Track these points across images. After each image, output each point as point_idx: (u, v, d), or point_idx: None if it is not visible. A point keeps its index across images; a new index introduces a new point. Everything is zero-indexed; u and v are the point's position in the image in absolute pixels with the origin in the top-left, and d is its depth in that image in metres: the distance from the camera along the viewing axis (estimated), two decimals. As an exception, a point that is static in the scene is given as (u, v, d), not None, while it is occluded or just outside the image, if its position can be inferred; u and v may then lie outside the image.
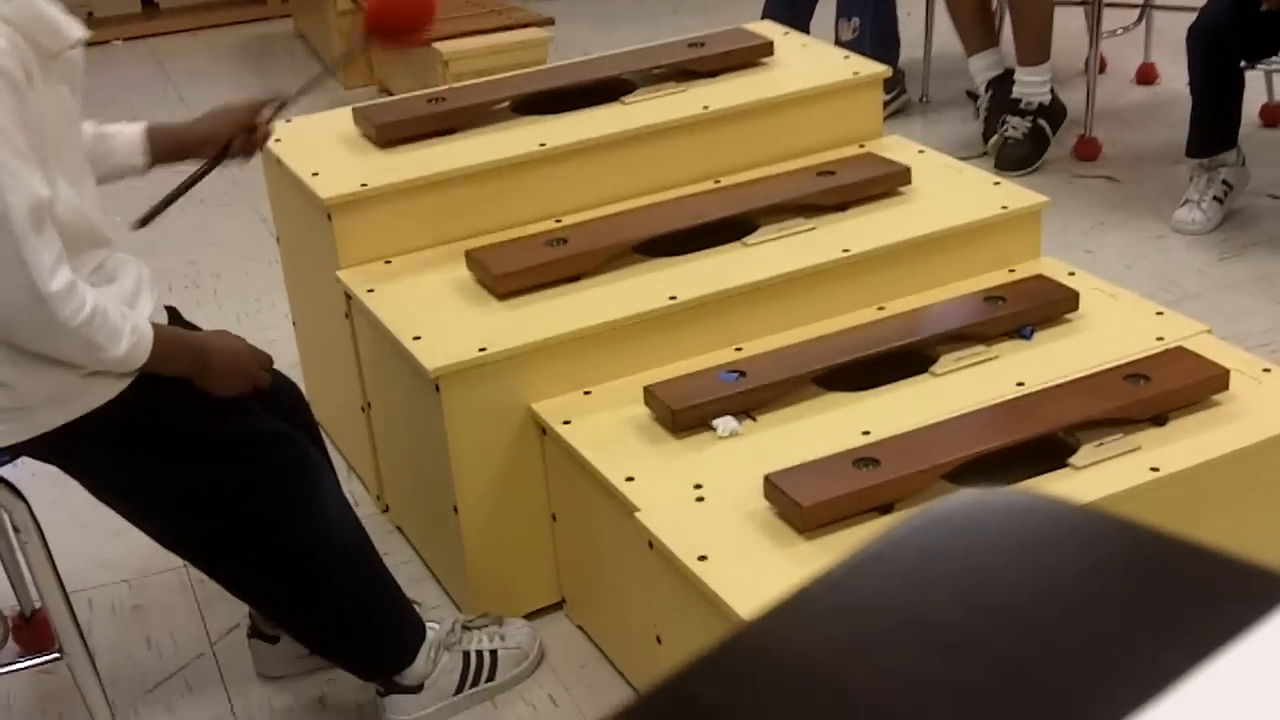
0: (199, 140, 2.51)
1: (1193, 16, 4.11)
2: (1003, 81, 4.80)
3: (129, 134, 2.46)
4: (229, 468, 2.28)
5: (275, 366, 2.54)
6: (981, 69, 4.86)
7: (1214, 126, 4.14)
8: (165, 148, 2.49)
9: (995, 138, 4.66)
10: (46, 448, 2.19)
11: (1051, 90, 4.70)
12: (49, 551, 2.31)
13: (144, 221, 2.45)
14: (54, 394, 2.12)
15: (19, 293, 1.98)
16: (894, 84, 4.82)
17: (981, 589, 0.69)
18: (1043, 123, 4.66)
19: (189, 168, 2.50)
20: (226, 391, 2.27)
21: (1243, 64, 4.07)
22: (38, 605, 2.58)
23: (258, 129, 2.53)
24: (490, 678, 2.61)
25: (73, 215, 2.12)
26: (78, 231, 2.13)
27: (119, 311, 2.11)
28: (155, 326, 2.18)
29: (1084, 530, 0.73)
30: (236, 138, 2.51)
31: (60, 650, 2.38)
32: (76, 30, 2.11)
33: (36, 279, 1.97)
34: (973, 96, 4.95)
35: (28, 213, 1.96)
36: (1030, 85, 4.66)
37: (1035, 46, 4.65)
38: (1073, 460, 2.32)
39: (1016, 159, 4.56)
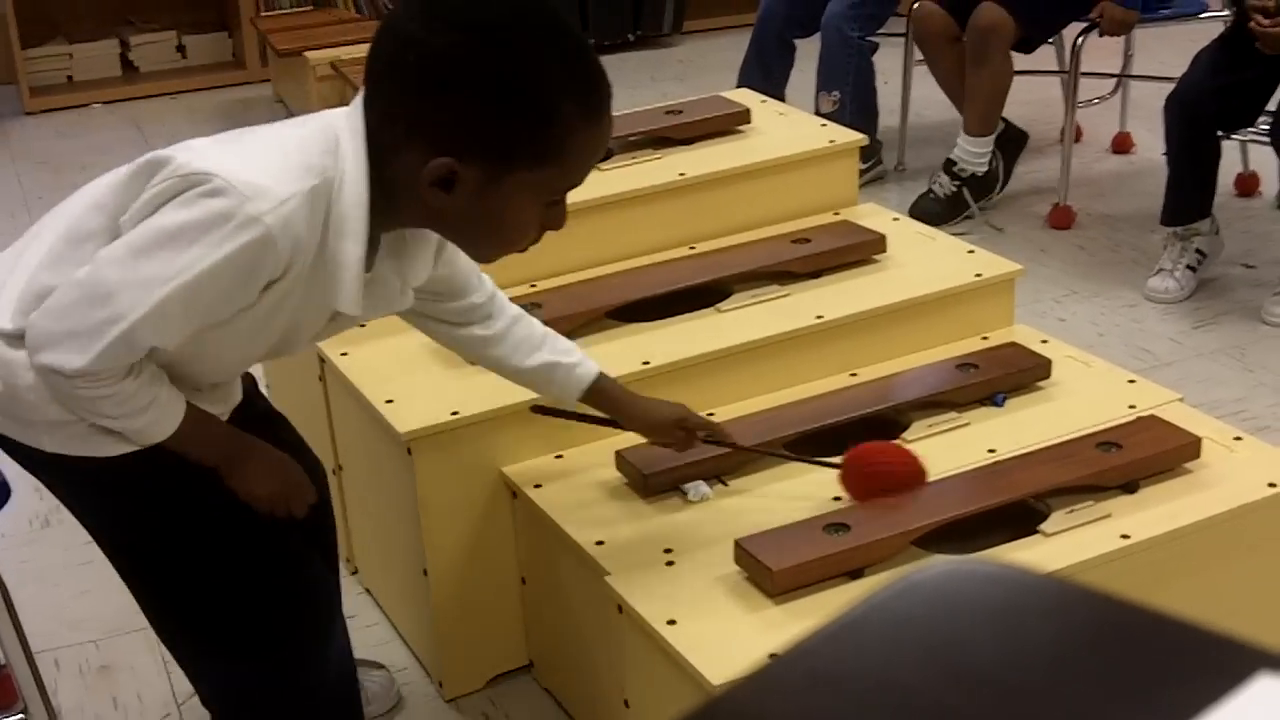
0: (633, 422, 2.43)
1: (1169, 87, 4.14)
2: (1003, 142, 4.85)
3: (578, 378, 2.35)
4: (233, 577, 2.17)
5: (312, 451, 2.47)
6: (966, 155, 4.86)
7: (1189, 195, 4.16)
8: (600, 402, 2.40)
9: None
10: (37, 461, 2.09)
11: (991, 162, 4.70)
12: (13, 610, 2.29)
13: (544, 412, 2.47)
14: (59, 421, 2.01)
15: (66, 349, 1.88)
16: (871, 153, 4.85)
17: (955, 658, 0.69)
18: (965, 192, 4.69)
19: None
20: (258, 496, 2.13)
21: (1219, 134, 4.09)
22: (2, 663, 2.56)
23: (685, 444, 2.42)
24: None
25: (196, 366, 2.04)
26: (186, 375, 2.05)
27: (149, 396, 1.97)
28: (190, 410, 2.04)
29: (1056, 600, 0.73)
30: (660, 441, 2.44)
31: (24, 709, 2.36)
32: (344, 306, 1.94)
33: (77, 365, 1.87)
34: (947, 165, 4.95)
35: (133, 340, 1.86)
36: (968, 153, 4.69)
37: (980, 117, 4.67)
38: (1044, 527, 2.32)
39: (929, 214, 4.53)
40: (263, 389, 3.37)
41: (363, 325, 2.39)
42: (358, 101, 1.92)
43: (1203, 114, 4.04)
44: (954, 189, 4.67)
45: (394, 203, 1.92)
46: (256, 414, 2.37)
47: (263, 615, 2.20)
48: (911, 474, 2.40)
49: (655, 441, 2.44)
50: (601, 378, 2.37)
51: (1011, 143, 4.82)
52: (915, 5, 4.87)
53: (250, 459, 2.13)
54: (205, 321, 1.90)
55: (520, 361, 2.33)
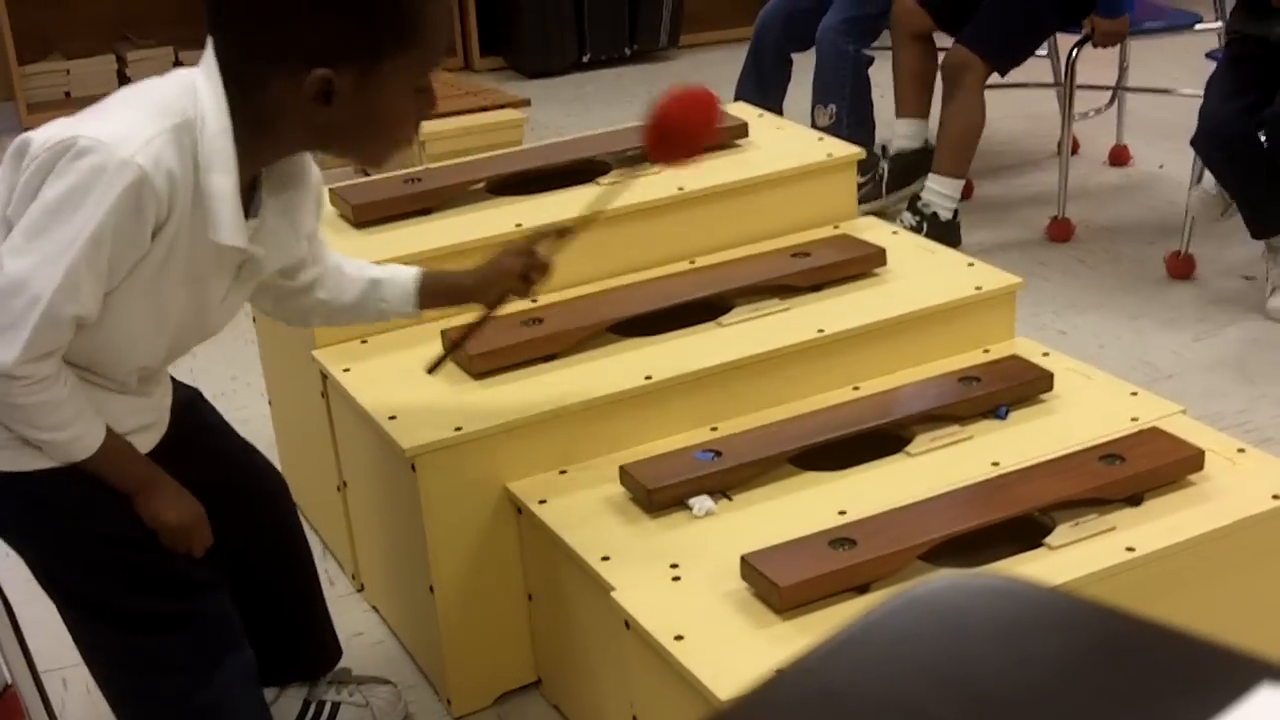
0: (480, 288, 2.48)
1: (1165, 99, 4.14)
2: (913, 157, 4.86)
3: (402, 283, 2.45)
4: (134, 597, 2.22)
5: (259, 450, 2.56)
6: (900, 134, 4.91)
7: (1264, 208, 4.12)
8: (438, 296, 2.49)
9: (877, 209, 4.66)
10: None
11: (955, 214, 4.63)
12: (18, 628, 2.29)
13: (433, 369, 2.56)
14: None
15: None
16: (868, 166, 4.85)
17: (958, 673, 0.69)
18: (925, 236, 4.32)
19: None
20: (166, 523, 2.18)
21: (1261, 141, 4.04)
22: (9, 683, 2.56)
23: (535, 267, 2.45)
24: None
25: (122, 346, 2.09)
26: (115, 359, 2.11)
27: (76, 410, 2.05)
28: (110, 433, 2.11)
29: (1059, 614, 0.74)
30: (513, 285, 2.46)
31: (31, 730, 2.36)
32: (228, 238, 2.02)
33: (12, 357, 1.94)
34: (882, 153, 4.96)
35: (55, 314, 1.93)
36: (934, 194, 4.62)
37: (948, 158, 4.63)
38: (1048, 540, 2.32)
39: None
40: (265, 405, 3.39)
41: (287, 282, 2.41)
42: (208, 51, 2.02)
43: (1238, 135, 4.00)
44: (914, 223, 4.56)
45: (266, 136, 2.04)
46: (200, 424, 2.46)
47: (162, 637, 2.24)
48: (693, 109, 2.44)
49: (516, 287, 2.46)
50: (426, 273, 2.48)
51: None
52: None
53: (161, 489, 2.19)
54: (113, 277, 1.98)
55: (345, 299, 2.44)
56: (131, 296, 2.02)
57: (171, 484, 2.21)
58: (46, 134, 1.95)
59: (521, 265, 2.44)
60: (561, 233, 2.48)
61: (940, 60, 4.72)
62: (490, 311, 2.48)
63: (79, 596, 2.23)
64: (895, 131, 4.91)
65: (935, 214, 4.58)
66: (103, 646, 2.28)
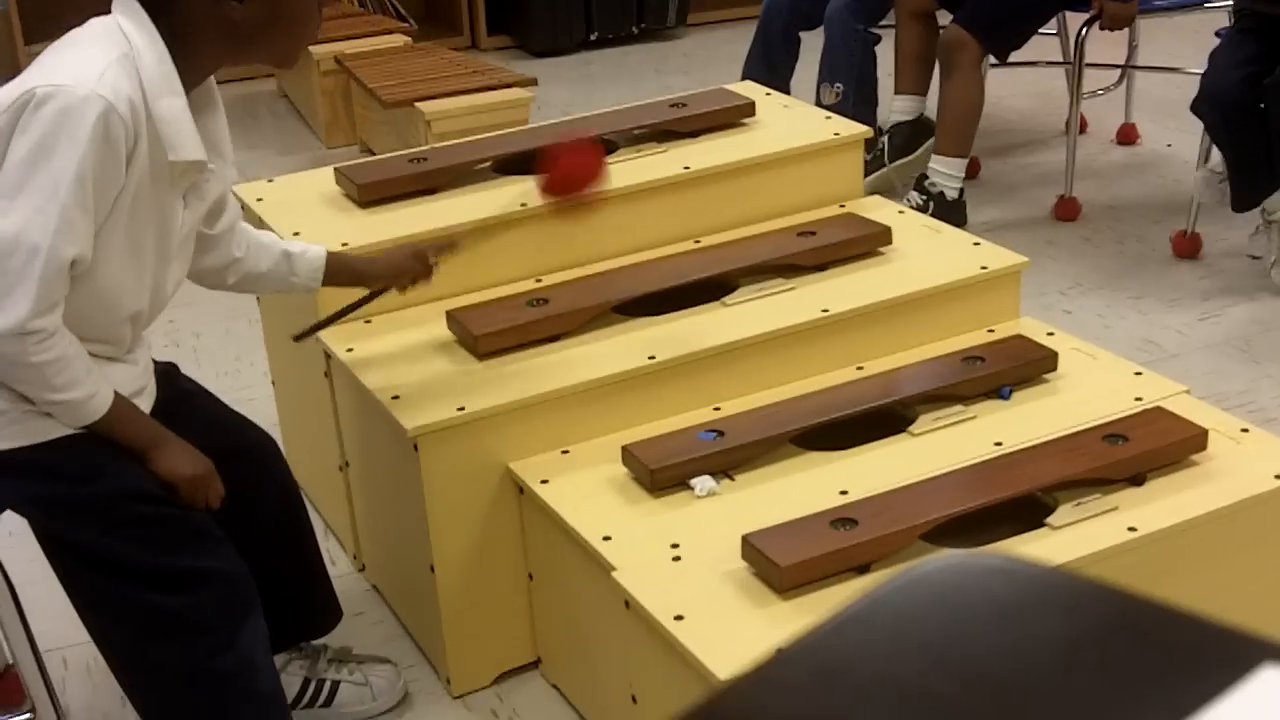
0: (376, 277, 2.63)
1: (1174, 78, 4.13)
2: (910, 128, 4.87)
3: (311, 258, 2.54)
4: (159, 553, 2.22)
5: (255, 423, 2.57)
6: (898, 109, 4.92)
7: (1252, 178, 4.12)
8: (340, 277, 2.59)
9: (882, 181, 4.72)
10: None
11: (961, 193, 4.63)
12: (20, 607, 2.29)
13: (300, 337, 2.67)
14: None
15: (3, 308, 1.98)
16: (872, 144, 4.84)
17: (959, 652, 0.69)
18: (932, 215, 4.42)
19: None
20: (182, 476, 2.22)
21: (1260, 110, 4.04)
22: (10, 663, 2.56)
23: (426, 273, 2.62)
24: (325, 705, 2.66)
25: (113, 292, 2.14)
26: (108, 308, 2.15)
27: (85, 366, 2.09)
28: (118, 395, 2.16)
29: (1061, 594, 0.73)
30: (405, 281, 2.63)
31: (32, 709, 2.36)
32: (191, 153, 2.12)
33: (24, 312, 1.97)
34: (881, 132, 4.95)
35: (58, 259, 1.98)
36: (938, 173, 4.62)
37: (950, 138, 4.62)
38: (1051, 520, 2.31)
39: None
40: (268, 385, 3.39)
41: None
42: None
43: (1240, 105, 4.00)
44: (920, 202, 4.56)
45: (191, 53, 2.13)
46: (183, 391, 2.50)
47: (186, 594, 2.24)
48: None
49: (401, 284, 2.64)
50: (334, 253, 2.58)
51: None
52: None
53: (171, 444, 2.23)
54: (98, 216, 2.04)
55: (260, 267, 2.51)
56: (113, 234, 2.07)
57: (179, 440, 2.24)
58: (3, 94, 2.01)
59: (415, 268, 2.60)
60: (451, 245, 2.65)
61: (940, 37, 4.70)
62: (370, 298, 2.64)
63: (102, 562, 2.22)
64: (893, 107, 4.91)
65: (942, 193, 4.58)
66: (125, 616, 2.27)
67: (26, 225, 1.96)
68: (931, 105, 4.80)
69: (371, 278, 2.62)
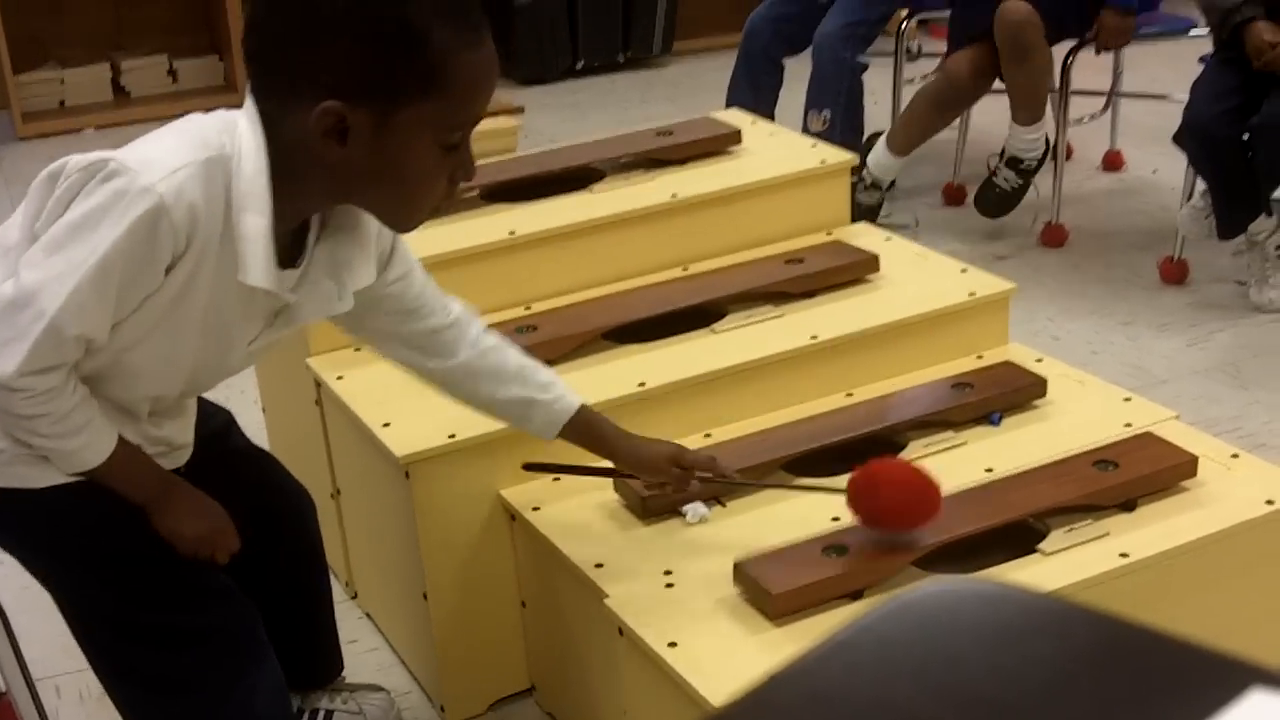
0: (625, 459, 2.40)
1: (1159, 105, 4.15)
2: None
3: (557, 412, 2.34)
4: (149, 611, 2.18)
5: (299, 485, 2.53)
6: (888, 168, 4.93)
7: (1235, 205, 4.16)
8: (583, 437, 2.39)
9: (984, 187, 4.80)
10: None
11: (1046, 141, 4.75)
12: (12, 635, 2.29)
13: (529, 467, 2.49)
14: None
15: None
16: (857, 172, 4.85)
17: (951, 678, 0.69)
18: (1033, 181, 4.76)
19: None
20: (183, 536, 2.15)
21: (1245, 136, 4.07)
22: (3, 691, 2.55)
23: (682, 483, 2.40)
24: None
25: (136, 374, 2.06)
26: (128, 386, 2.08)
27: (85, 419, 2.02)
28: (122, 443, 2.08)
29: (1053, 620, 0.74)
30: (652, 479, 2.42)
31: (25, 738, 2.36)
32: (255, 279, 1.95)
33: (10, 370, 1.91)
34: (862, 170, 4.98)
35: (57, 331, 1.90)
36: (1024, 142, 4.70)
37: (1027, 108, 4.67)
38: (1042, 546, 2.32)
39: (997, 207, 4.75)
40: (259, 413, 3.39)
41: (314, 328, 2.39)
42: (249, 90, 1.97)
43: (1222, 138, 4.02)
44: (1019, 181, 4.72)
45: (299, 176, 1.95)
46: (231, 451, 2.42)
47: (180, 652, 2.20)
48: (920, 488, 2.29)
49: (650, 482, 2.43)
50: (583, 411, 2.36)
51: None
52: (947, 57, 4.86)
53: (178, 499, 2.16)
54: (121, 306, 1.93)
55: (492, 394, 2.34)
56: (142, 329, 1.98)
57: (190, 494, 2.18)
58: (85, 156, 1.92)
59: (676, 476, 2.38)
60: (724, 479, 2.44)
61: (996, 19, 4.63)
62: (612, 474, 2.47)
63: (93, 613, 2.20)
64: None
65: (1034, 160, 4.72)
66: (119, 665, 2.25)
67: (43, 287, 1.88)
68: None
69: (621, 458, 2.40)
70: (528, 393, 2.33)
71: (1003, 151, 4.74)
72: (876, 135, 4.97)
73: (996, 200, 4.73)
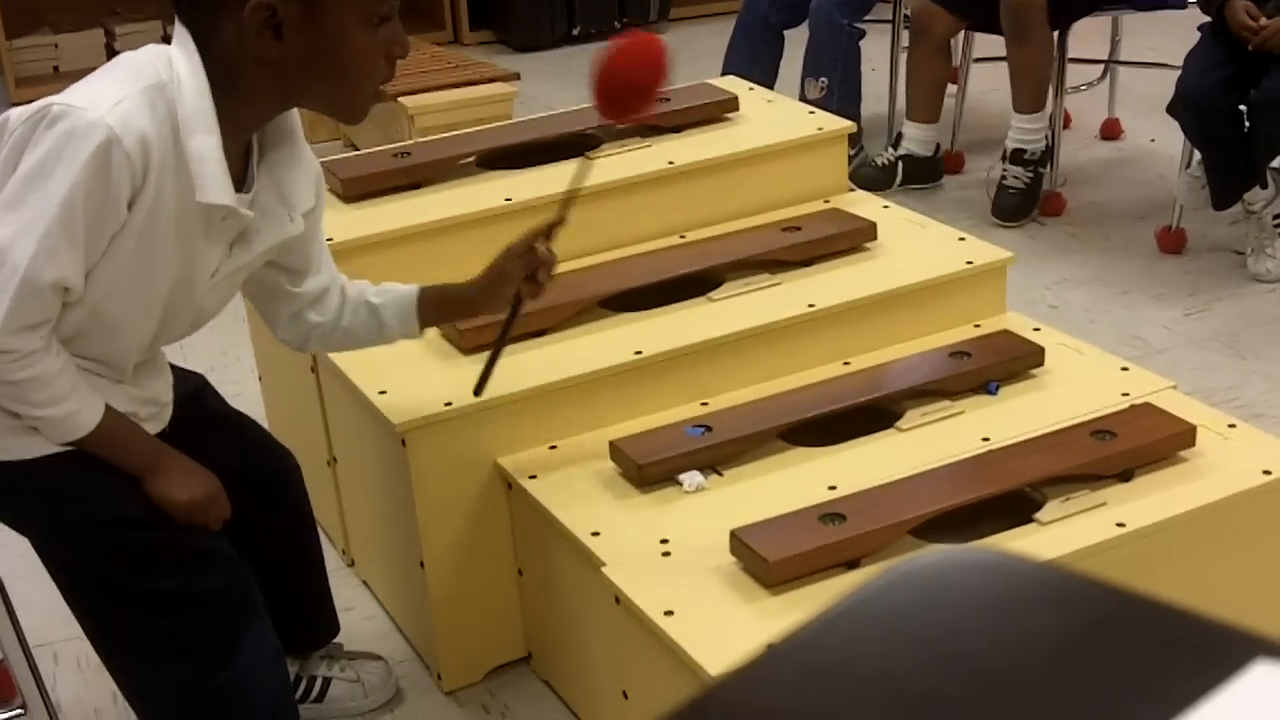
0: (482, 299, 2.42)
1: (1157, 73, 4.14)
2: (927, 162, 4.94)
3: (399, 305, 2.38)
4: (146, 577, 2.19)
5: (282, 447, 2.54)
6: (912, 137, 4.93)
7: (1229, 176, 4.14)
8: (440, 312, 2.44)
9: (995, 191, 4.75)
10: None
11: (1047, 138, 4.72)
12: (9, 603, 2.29)
13: (478, 391, 2.46)
14: None
15: None
16: (855, 140, 4.84)
17: (950, 648, 0.69)
18: (1042, 170, 4.71)
19: None
20: (176, 503, 2.15)
21: (1240, 111, 4.06)
22: (0, 658, 2.56)
23: (540, 265, 2.37)
24: (317, 701, 2.66)
25: (115, 322, 2.06)
26: (109, 337, 2.08)
27: (70, 384, 2.02)
28: (110, 411, 2.09)
29: (1052, 589, 0.73)
30: (521, 285, 2.39)
31: (23, 704, 2.36)
32: (215, 196, 1.98)
33: None
34: (895, 143, 4.99)
35: (33, 282, 1.91)
36: (1027, 133, 4.67)
37: (1029, 95, 4.65)
38: (1039, 516, 2.32)
39: (1015, 209, 4.65)
40: (255, 381, 3.39)
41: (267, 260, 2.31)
42: (179, 20, 2.01)
43: (1216, 109, 4.02)
44: (1030, 175, 4.66)
45: (241, 88, 2.00)
46: (208, 413, 2.43)
47: (176, 617, 2.21)
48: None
49: (529, 288, 2.39)
50: (425, 290, 2.41)
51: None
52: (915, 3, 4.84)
53: (170, 466, 2.17)
54: (91, 250, 1.95)
55: (345, 323, 2.38)
56: (114, 272, 2.00)
57: (180, 461, 2.18)
58: (25, 107, 1.94)
59: (524, 266, 2.37)
60: (552, 226, 2.39)
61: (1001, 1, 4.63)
62: (511, 317, 2.43)
63: (90, 582, 2.21)
64: (907, 133, 4.93)
65: (1038, 150, 4.67)
66: (117, 633, 2.25)
67: (12, 242, 1.90)
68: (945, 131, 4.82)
69: (481, 299, 2.42)
70: (369, 300, 2.38)
71: (1004, 152, 4.71)
72: (899, 137, 4.98)
73: (1013, 201, 4.66)
